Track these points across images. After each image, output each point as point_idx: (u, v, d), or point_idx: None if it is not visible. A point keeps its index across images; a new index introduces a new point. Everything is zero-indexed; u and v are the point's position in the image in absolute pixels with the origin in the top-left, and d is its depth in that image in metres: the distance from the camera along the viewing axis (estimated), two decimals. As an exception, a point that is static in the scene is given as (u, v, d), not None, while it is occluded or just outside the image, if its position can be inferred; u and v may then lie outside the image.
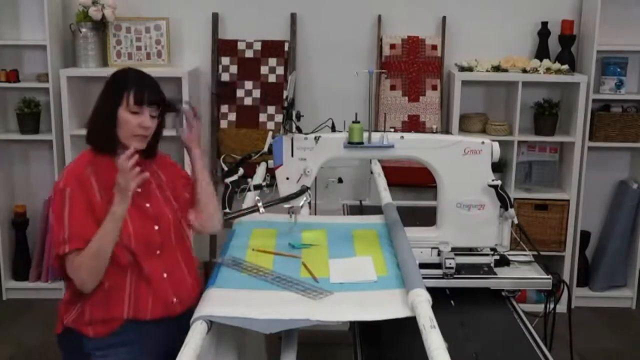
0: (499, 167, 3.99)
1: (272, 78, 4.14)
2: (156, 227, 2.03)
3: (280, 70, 4.14)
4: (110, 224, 1.88)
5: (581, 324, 3.82)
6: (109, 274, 1.93)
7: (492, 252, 2.47)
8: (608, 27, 3.99)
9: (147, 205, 2.03)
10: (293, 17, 4.17)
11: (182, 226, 2.14)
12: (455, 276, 2.37)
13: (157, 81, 2.06)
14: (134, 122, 1.97)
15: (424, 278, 1.99)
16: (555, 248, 4.13)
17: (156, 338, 2.00)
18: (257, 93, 4.14)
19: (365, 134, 2.37)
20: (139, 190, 2.00)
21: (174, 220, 2.10)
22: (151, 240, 2.01)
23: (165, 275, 2.02)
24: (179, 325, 1.91)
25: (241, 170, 2.89)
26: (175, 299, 2.02)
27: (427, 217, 2.55)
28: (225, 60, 4.16)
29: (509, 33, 4.20)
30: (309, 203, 2.62)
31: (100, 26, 4.07)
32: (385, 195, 2.90)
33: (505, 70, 4.03)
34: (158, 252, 2.03)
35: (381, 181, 3.12)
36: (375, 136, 2.38)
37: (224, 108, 4.16)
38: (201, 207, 2.18)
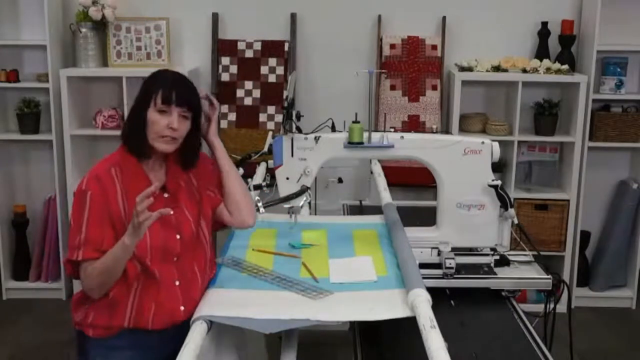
0: (499, 167, 3.99)
1: (272, 78, 4.14)
2: (178, 237, 1.98)
3: (280, 70, 4.14)
4: (119, 250, 1.82)
5: (581, 324, 3.82)
6: (115, 285, 1.91)
7: (492, 252, 2.47)
8: (608, 27, 3.99)
9: (171, 212, 1.93)
10: (293, 17, 4.17)
11: (202, 231, 2.07)
12: (455, 276, 2.37)
13: (191, 82, 2.02)
14: (163, 122, 1.92)
15: (424, 278, 1.99)
16: (555, 248, 4.13)
17: (158, 344, 1.97)
18: (257, 93, 4.15)
19: (365, 134, 2.37)
20: (166, 195, 1.98)
21: (196, 225, 2.04)
22: (170, 249, 1.96)
23: (177, 283, 1.97)
24: (183, 331, 1.91)
25: (241, 170, 2.89)
26: (182, 307, 1.96)
27: (427, 217, 2.55)
28: (225, 60, 4.16)
29: (509, 33, 4.20)
30: (309, 203, 2.62)
31: (100, 26, 4.07)
32: (385, 195, 2.90)
33: (505, 70, 4.03)
34: (175, 259, 1.97)
35: (381, 181, 3.12)
36: (375, 136, 2.38)
37: (224, 108, 4.16)
38: (230, 199, 2.14)
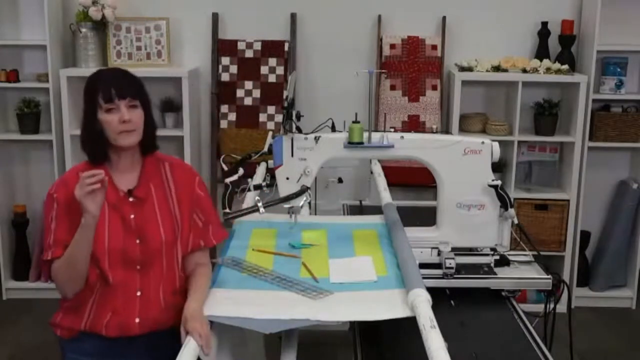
0: (499, 167, 3.99)
1: (272, 78, 4.14)
2: (137, 241, 1.95)
3: (280, 70, 4.14)
4: (79, 232, 1.83)
5: (581, 324, 3.82)
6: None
7: (492, 252, 2.47)
8: (608, 27, 4.00)
9: (132, 216, 1.95)
10: (293, 17, 4.17)
11: (177, 249, 2.02)
12: (455, 276, 2.36)
13: (127, 72, 2.00)
14: (114, 119, 1.92)
15: (424, 278, 1.99)
16: (555, 248, 4.13)
17: (114, 352, 1.97)
18: (257, 93, 4.15)
19: (365, 134, 2.37)
20: (131, 199, 1.97)
21: (169, 238, 1.98)
22: (129, 255, 1.93)
23: (139, 293, 1.94)
24: (137, 346, 1.94)
25: (241, 170, 2.89)
26: (137, 320, 1.94)
27: (427, 217, 2.55)
28: (225, 60, 4.16)
29: (509, 33, 4.20)
30: (309, 203, 2.62)
31: (100, 26, 4.07)
32: (385, 195, 2.90)
33: (505, 70, 4.03)
34: (138, 267, 1.95)
35: (381, 181, 3.12)
36: (375, 136, 2.38)
37: (224, 108, 4.17)
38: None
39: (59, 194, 1.94)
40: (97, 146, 1.96)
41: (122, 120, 1.91)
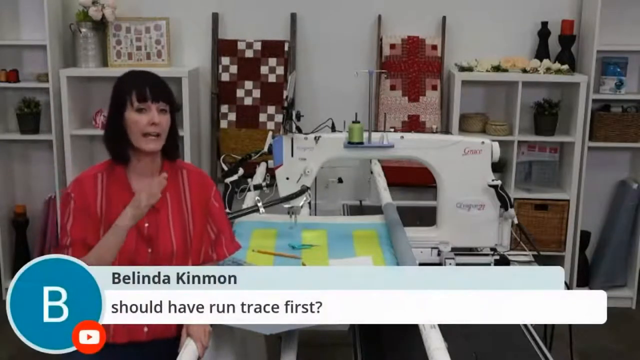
0: (499, 167, 3.99)
1: (272, 78, 4.14)
2: (149, 250, 1.94)
3: (280, 70, 4.14)
4: (111, 236, 1.84)
5: (581, 324, 3.81)
6: None
7: (492, 252, 2.47)
8: (608, 27, 3.99)
9: (146, 224, 1.94)
10: (293, 17, 4.17)
11: (188, 261, 1.99)
12: (455, 276, 2.36)
13: (161, 77, 2.01)
14: (143, 120, 1.90)
15: (424, 278, 1.99)
16: (555, 248, 4.13)
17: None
18: (257, 93, 4.15)
19: (365, 134, 2.37)
20: None
21: (180, 249, 1.97)
22: (139, 263, 1.91)
23: None
24: (143, 353, 1.92)
25: (241, 170, 2.89)
26: (146, 329, 1.93)
27: (427, 217, 2.56)
28: (225, 60, 4.16)
29: (509, 33, 4.20)
30: (309, 203, 2.62)
31: (100, 26, 4.07)
32: (385, 195, 2.90)
33: (505, 70, 4.03)
34: None
35: (381, 181, 3.13)
36: (375, 136, 2.38)
37: (224, 108, 4.17)
38: None
39: (74, 193, 1.93)
40: (118, 146, 1.95)
41: (152, 122, 1.91)
